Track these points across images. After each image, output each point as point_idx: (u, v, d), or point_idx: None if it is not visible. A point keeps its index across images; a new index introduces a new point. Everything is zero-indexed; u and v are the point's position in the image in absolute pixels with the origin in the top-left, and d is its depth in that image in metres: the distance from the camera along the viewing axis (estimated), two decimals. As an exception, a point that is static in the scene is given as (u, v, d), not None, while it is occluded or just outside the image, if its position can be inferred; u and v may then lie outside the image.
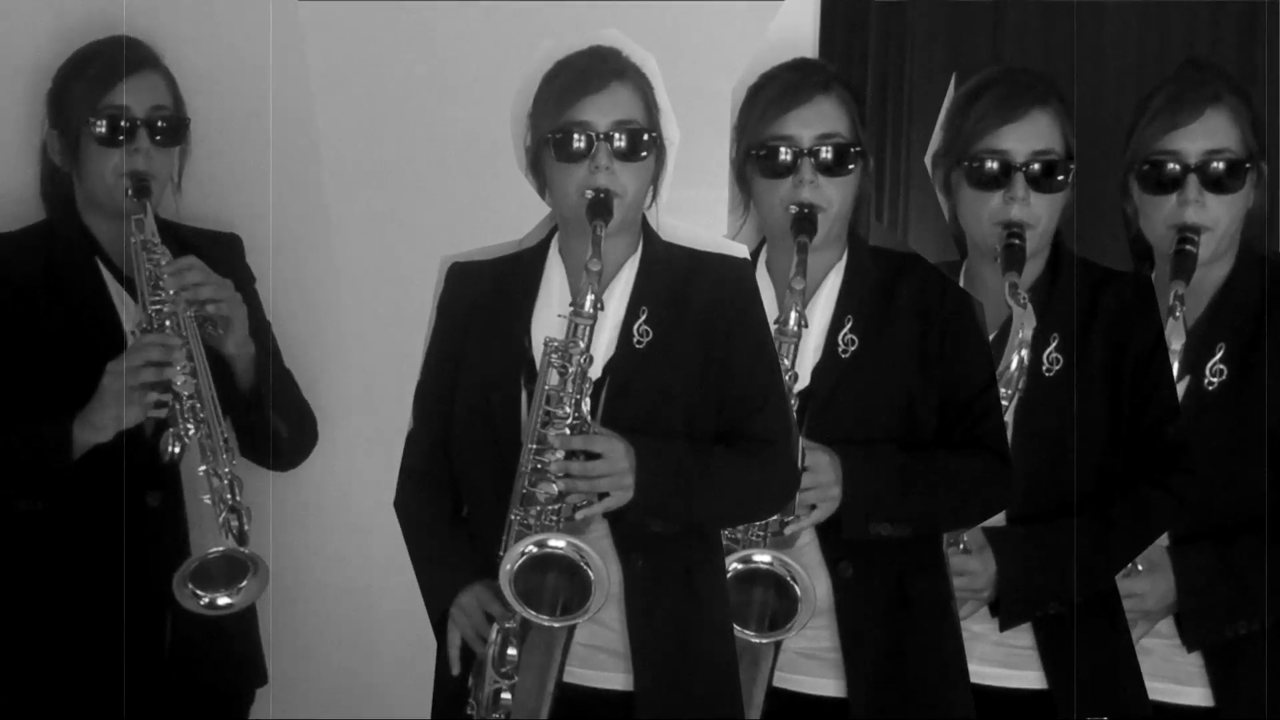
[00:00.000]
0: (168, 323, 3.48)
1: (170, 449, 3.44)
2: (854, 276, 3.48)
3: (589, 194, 3.26)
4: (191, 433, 3.45)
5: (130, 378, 3.44)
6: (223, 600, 3.46)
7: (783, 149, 3.45)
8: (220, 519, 3.43)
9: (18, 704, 3.56)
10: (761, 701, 3.41)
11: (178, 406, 3.44)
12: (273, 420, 3.63)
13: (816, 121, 3.45)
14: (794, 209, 3.43)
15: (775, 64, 3.53)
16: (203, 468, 3.44)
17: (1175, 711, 3.52)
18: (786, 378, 3.37)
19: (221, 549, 3.42)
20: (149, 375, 3.44)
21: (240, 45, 3.85)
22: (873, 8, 4.29)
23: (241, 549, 3.43)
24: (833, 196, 3.44)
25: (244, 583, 3.46)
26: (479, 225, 3.53)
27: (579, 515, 3.20)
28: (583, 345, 3.20)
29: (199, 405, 3.45)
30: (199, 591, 3.44)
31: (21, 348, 3.58)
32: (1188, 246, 3.52)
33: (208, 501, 3.44)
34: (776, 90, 3.48)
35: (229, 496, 3.44)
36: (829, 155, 3.44)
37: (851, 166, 3.46)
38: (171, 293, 3.49)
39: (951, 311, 3.43)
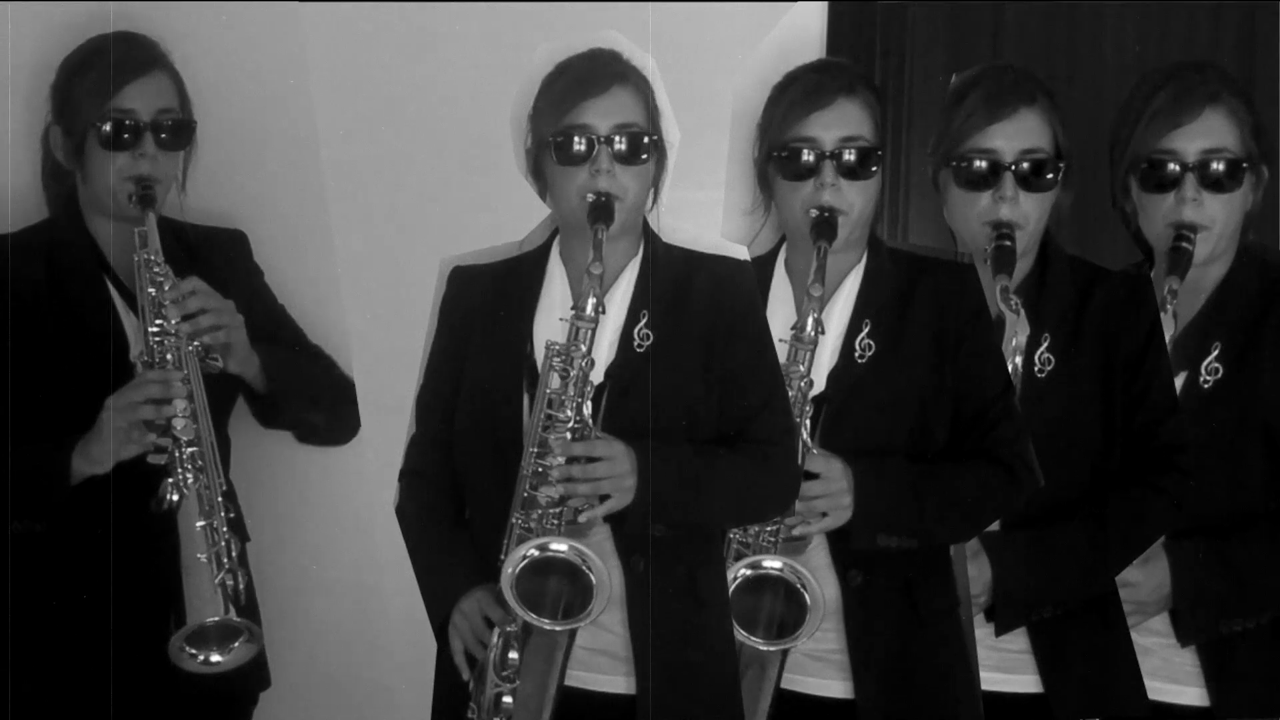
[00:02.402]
0: (169, 356, 3.47)
1: (169, 497, 3.44)
2: (873, 280, 3.47)
3: (590, 197, 3.27)
4: (190, 482, 3.45)
5: (129, 414, 3.43)
6: (215, 658, 3.47)
7: (805, 151, 3.43)
8: (216, 579, 3.44)
9: (25, 713, 3.57)
10: (767, 708, 3.40)
11: (177, 454, 3.44)
12: (302, 415, 3.65)
13: (840, 124, 3.44)
14: (814, 213, 3.41)
15: (788, 65, 3.52)
16: (200, 523, 3.45)
17: (1172, 711, 3.53)
18: (801, 384, 3.37)
19: (218, 619, 3.43)
20: (148, 413, 3.43)
21: (240, 45, 3.84)
22: (877, 9, 4.29)
23: (236, 619, 3.44)
24: (854, 200, 3.43)
25: (235, 644, 3.47)
26: (480, 227, 3.53)
27: (582, 518, 3.21)
28: (584, 349, 3.21)
29: (199, 452, 3.45)
30: (192, 650, 3.45)
31: (22, 354, 3.56)
32: (1183, 244, 3.53)
33: (203, 560, 3.44)
34: (800, 91, 3.47)
35: (225, 560, 3.44)
36: (851, 158, 3.43)
37: (874, 170, 3.44)
38: (174, 322, 3.48)
39: (968, 320, 3.42)
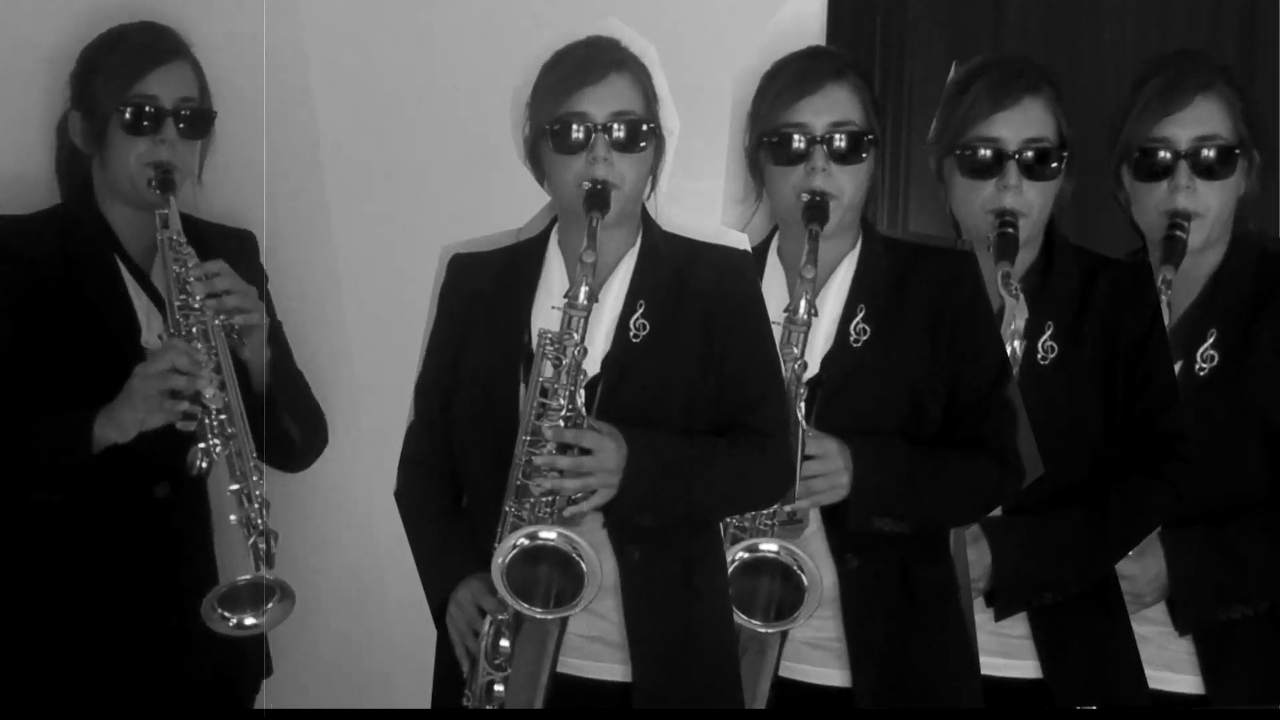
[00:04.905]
0: (195, 329, 3.47)
1: (199, 464, 3.44)
2: (867, 266, 3.47)
3: (586, 185, 3.26)
4: (219, 449, 3.45)
5: (158, 382, 3.42)
6: (249, 621, 3.46)
7: (795, 136, 3.43)
8: (249, 543, 3.44)
9: (27, 692, 3.57)
10: (767, 691, 3.40)
11: (207, 421, 3.44)
12: (286, 424, 3.63)
13: (829, 109, 3.44)
14: (805, 197, 3.41)
15: (788, 52, 3.51)
16: (234, 487, 3.44)
17: (1169, 699, 3.53)
18: (795, 366, 3.36)
19: (250, 577, 3.43)
20: (178, 383, 3.43)
21: (238, 40, 3.85)
22: (879, -2, 4.31)
23: (269, 577, 3.44)
24: (845, 185, 3.42)
25: (270, 605, 3.46)
26: (480, 219, 3.53)
27: (567, 513, 3.21)
28: (577, 337, 3.20)
29: (228, 420, 3.45)
30: (226, 613, 3.45)
31: (34, 336, 3.57)
32: (1177, 232, 3.54)
33: (236, 522, 3.44)
34: (790, 77, 3.46)
35: (259, 521, 3.45)
36: (842, 143, 3.42)
37: (864, 155, 3.44)
38: (199, 298, 3.48)
39: (964, 307, 3.42)
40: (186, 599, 3.49)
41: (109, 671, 3.58)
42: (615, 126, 3.29)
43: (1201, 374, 3.54)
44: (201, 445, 3.44)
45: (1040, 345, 3.51)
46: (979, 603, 3.48)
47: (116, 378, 3.47)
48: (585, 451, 3.20)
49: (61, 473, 3.52)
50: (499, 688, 3.22)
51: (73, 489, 3.54)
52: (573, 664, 3.27)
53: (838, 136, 3.42)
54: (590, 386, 3.26)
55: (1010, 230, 3.50)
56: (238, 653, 3.65)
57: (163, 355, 3.45)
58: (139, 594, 3.58)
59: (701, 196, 3.64)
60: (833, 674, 3.42)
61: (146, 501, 3.58)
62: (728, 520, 3.38)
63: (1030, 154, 3.53)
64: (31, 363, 3.56)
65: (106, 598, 3.57)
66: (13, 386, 3.54)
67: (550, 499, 3.21)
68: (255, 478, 3.45)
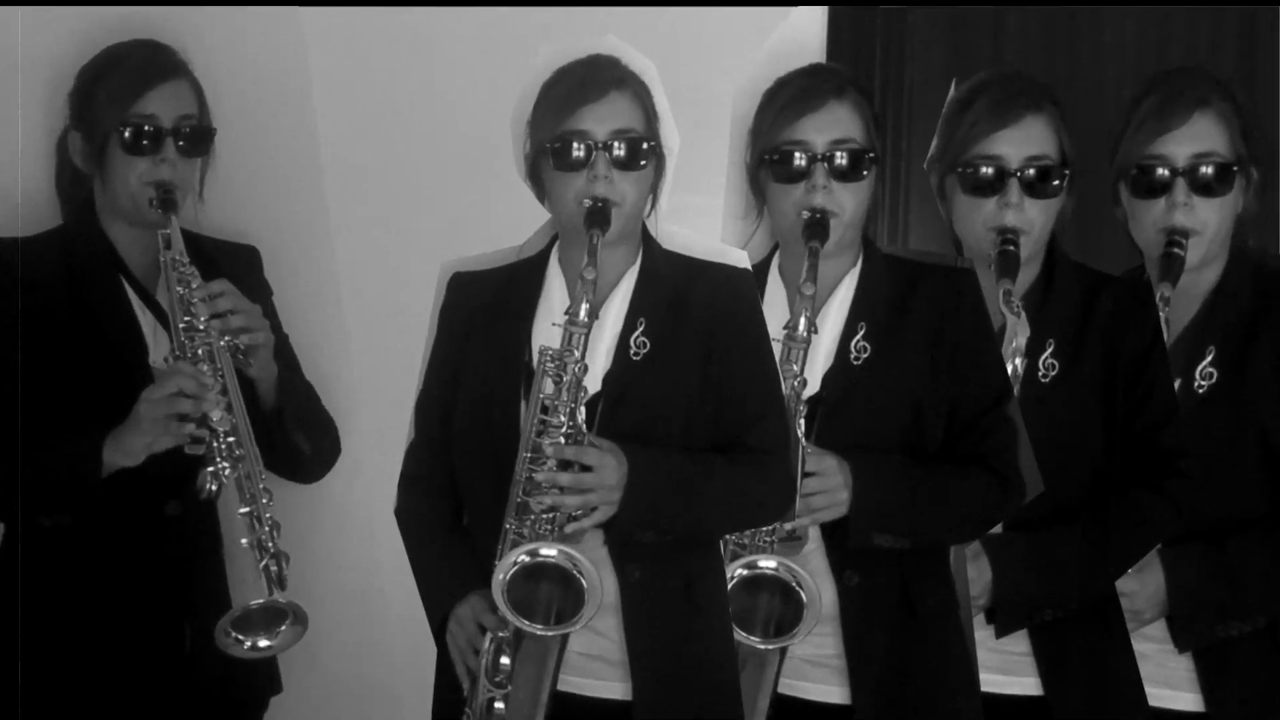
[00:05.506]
0: (200, 350, 3.48)
1: (209, 487, 3.45)
2: (868, 283, 3.47)
3: (587, 203, 3.26)
4: (228, 472, 3.45)
5: (165, 407, 3.43)
6: (263, 644, 3.47)
7: (796, 154, 3.44)
8: (260, 565, 3.45)
9: (38, 710, 3.58)
10: (766, 708, 3.40)
11: (215, 444, 3.45)
12: (296, 437, 3.64)
13: (830, 127, 3.44)
14: (806, 214, 3.42)
15: (788, 70, 3.51)
16: (244, 509, 3.45)
17: (1168, 716, 3.53)
18: (795, 383, 3.37)
19: (263, 601, 3.44)
20: (185, 406, 3.43)
21: (241, 53, 3.86)
22: (878, 14, 4.31)
23: (281, 601, 3.45)
24: (845, 202, 3.43)
25: (282, 628, 3.47)
26: (480, 229, 3.55)
27: (568, 529, 3.21)
28: (578, 354, 3.20)
29: (236, 443, 3.46)
30: (240, 636, 3.46)
31: (40, 358, 3.58)
32: (1175, 250, 3.55)
33: (247, 545, 3.45)
34: (791, 95, 3.47)
35: (270, 544, 3.46)
36: (843, 161, 3.43)
37: (865, 172, 3.44)
38: (203, 319, 3.48)
39: (965, 325, 3.42)
40: (197, 615, 3.53)
41: (119, 688, 3.59)
42: (616, 144, 3.29)
43: (1200, 391, 3.55)
44: (210, 469, 3.45)
45: (1041, 363, 3.51)
46: (979, 619, 3.48)
47: (124, 398, 3.48)
48: (586, 468, 3.20)
49: (71, 497, 3.53)
50: (499, 705, 3.21)
51: (82, 511, 3.55)
52: (573, 682, 3.27)
53: (839, 154, 3.43)
54: (591, 404, 3.26)
55: (1012, 248, 3.50)
56: (247, 670, 3.65)
57: (169, 379, 3.45)
58: (149, 611, 3.59)
59: (698, 212, 3.64)
60: (833, 691, 3.42)
61: (157, 519, 3.59)
62: (727, 537, 3.38)
63: (1032, 172, 3.53)
64: (38, 385, 3.56)
65: (117, 615, 3.58)
66: (20, 409, 3.54)
67: (551, 516, 3.21)
68: (265, 500, 3.46)
